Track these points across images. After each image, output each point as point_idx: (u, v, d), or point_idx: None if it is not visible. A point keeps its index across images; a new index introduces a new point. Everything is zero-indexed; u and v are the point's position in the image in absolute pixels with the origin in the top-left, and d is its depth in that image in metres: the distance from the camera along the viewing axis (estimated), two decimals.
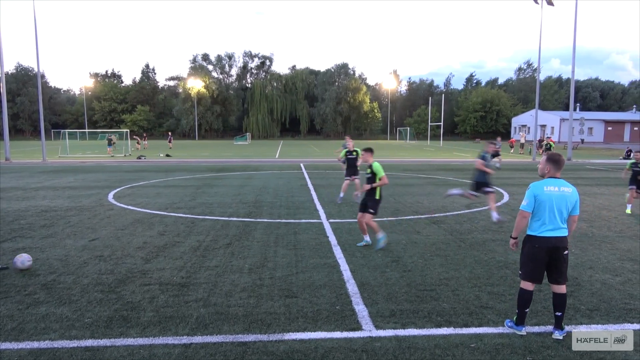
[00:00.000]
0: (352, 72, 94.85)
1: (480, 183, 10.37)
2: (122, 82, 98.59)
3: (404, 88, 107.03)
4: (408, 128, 78.80)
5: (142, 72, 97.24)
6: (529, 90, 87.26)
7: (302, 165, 25.52)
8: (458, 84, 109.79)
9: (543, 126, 68.78)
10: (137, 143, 44.75)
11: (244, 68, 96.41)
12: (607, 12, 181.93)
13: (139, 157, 31.34)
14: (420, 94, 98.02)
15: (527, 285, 4.58)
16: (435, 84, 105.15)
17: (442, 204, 12.37)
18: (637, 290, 5.83)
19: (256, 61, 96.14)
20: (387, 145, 56.68)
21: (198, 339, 4.42)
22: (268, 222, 9.96)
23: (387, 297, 5.52)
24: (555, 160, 4.59)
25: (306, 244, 8.05)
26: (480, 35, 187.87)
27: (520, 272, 4.70)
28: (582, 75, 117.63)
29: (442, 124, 65.49)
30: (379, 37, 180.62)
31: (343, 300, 5.44)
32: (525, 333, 4.56)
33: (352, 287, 5.87)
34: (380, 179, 7.57)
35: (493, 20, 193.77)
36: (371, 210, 7.69)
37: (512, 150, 42.14)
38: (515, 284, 5.97)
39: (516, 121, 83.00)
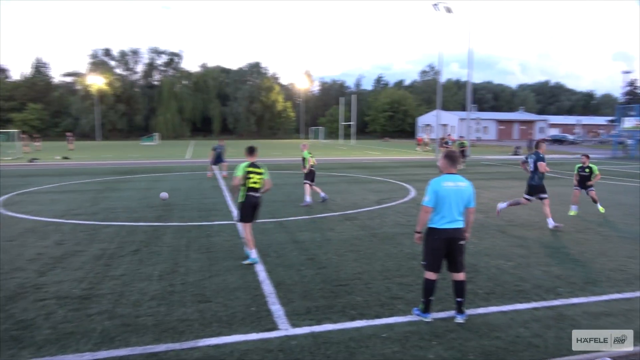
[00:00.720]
0: (265, 71, 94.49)
1: (539, 187, 9.55)
2: (8, 77, 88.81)
3: (316, 88, 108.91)
4: (321, 127, 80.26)
5: (34, 67, 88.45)
6: (432, 91, 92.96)
7: (214, 166, 24.87)
8: (368, 85, 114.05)
9: (444, 125, 73.70)
10: (25, 145, 38.77)
11: (151, 65, 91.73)
12: (499, 21, 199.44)
13: (31, 160, 28.50)
14: (333, 94, 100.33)
15: (431, 275, 4.87)
16: (346, 85, 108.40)
17: (353, 200, 12.75)
18: (526, 273, 6.46)
19: (164, 58, 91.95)
20: (299, 145, 57.08)
21: (103, 354, 4.13)
22: (179, 225, 9.58)
23: (303, 295, 5.57)
24: (450, 157, 4.97)
25: (220, 246, 7.86)
26: (389, 38, 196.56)
27: (423, 262, 4.99)
28: (477, 78, 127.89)
29: (354, 123, 67.51)
30: (292, 37, 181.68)
31: (259, 301, 5.39)
32: (431, 320, 4.86)
33: (267, 287, 5.84)
34: (232, 180, 6.98)
35: (401, 23, 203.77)
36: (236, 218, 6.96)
37: (418, 148, 44.60)
38: (422, 274, 6.35)
39: (421, 121, 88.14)
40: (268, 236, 8.53)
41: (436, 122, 40.47)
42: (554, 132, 75.53)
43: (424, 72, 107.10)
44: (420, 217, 4.91)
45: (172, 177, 19.28)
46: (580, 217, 10.53)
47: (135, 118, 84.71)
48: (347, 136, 71.90)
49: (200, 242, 8.17)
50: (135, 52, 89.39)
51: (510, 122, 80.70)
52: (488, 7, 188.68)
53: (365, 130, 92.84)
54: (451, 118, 76.68)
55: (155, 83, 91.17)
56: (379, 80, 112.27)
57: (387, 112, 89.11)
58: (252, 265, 6.73)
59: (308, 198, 11.94)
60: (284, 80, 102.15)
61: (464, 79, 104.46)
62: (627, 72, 75.63)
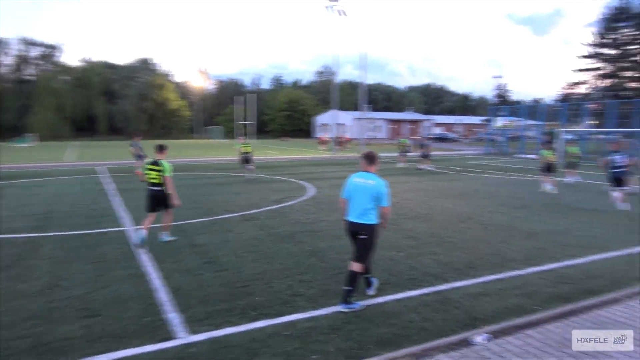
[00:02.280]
0: (156, 68, 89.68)
1: (622, 180, 11.75)
2: None
3: (212, 86, 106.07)
4: (218, 127, 78.38)
5: None
6: (327, 91, 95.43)
7: (102, 168, 23.11)
8: (265, 84, 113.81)
9: (341, 125, 76.19)
10: None
11: (23, 57, 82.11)
12: (389, 25, 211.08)
13: None
14: (230, 92, 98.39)
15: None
16: (243, 83, 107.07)
17: (253, 201, 12.66)
18: (417, 262, 6.93)
19: (39, 50, 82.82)
20: (197, 145, 55.31)
21: None
22: (61, 235, 8.73)
23: (202, 300, 5.40)
24: (366, 156, 5.45)
25: (108, 255, 7.31)
26: (284, 38, 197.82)
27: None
28: (370, 79, 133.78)
29: (252, 122, 66.94)
30: (185, 33, 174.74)
31: (153, 310, 5.11)
32: (370, 292, 5.53)
33: (163, 295, 5.56)
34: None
35: (294, 24, 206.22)
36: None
37: (321, 147, 45.30)
38: (322, 270, 6.52)
39: (318, 120, 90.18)
40: (164, 242, 8.12)
41: (332, 121, 41.67)
42: (439, 130, 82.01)
43: (319, 73, 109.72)
44: (341, 206, 5.49)
45: (54, 182, 17.45)
46: (463, 209, 11.54)
47: (4, 117, 75.07)
48: (246, 135, 71.12)
49: (87, 251, 7.52)
50: (3, 43, 79.41)
51: (400, 121, 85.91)
52: (379, 11, 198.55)
53: (264, 130, 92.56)
54: (346, 118, 79.49)
55: (29, 78, 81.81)
56: (276, 79, 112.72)
57: (286, 112, 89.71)
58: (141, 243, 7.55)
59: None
60: (177, 78, 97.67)
61: (357, 79, 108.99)
62: (497, 77, 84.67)
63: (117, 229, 9.20)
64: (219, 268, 6.63)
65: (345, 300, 5.05)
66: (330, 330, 4.60)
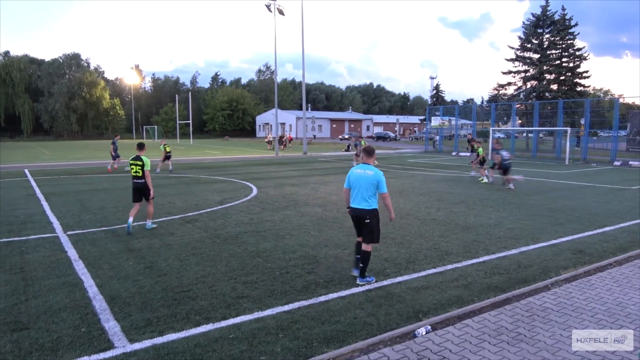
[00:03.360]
0: (86, 64, 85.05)
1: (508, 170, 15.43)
2: None
3: (148, 84, 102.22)
4: (155, 126, 75.63)
5: None
6: (268, 90, 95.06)
7: (27, 171, 21.56)
8: (204, 83, 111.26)
9: (283, 124, 76.03)
10: None
11: None
12: (328, 25, 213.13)
13: None
14: (167, 91, 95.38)
15: (358, 239, 6.06)
16: (181, 81, 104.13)
17: (194, 202, 12.33)
18: None
19: None
20: (132, 145, 52.87)
21: None
22: None
23: (142, 307, 5.18)
24: (365, 151, 6.08)
25: (38, 264, 6.83)
26: (223, 36, 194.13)
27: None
28: (311, 79, 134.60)
29: (191, 122, 65.10)
30: (117, 27, 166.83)
31: (90, 320, 4.84)
32: (355, 273, 6.08)
33: (99, 303, 5.28)
34: None
35: (234, 22, 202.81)
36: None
37: (270, 146, 44.01)
38: (267, 271, 6.47)
39: (260, 119, 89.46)
40: (98, 247, 7.72)
41: (275, 120, 41.48)
42: (378, 130, 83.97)
43: (260, 72, 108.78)
44: (345, 196, 6.13)
45: None
46: (403, 206, 11.89)
47: None
48: (184, 135, 69.13)
49: (12, 260, 6.98)
50: None
51: (341, 120, 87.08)
52: (318, 12, 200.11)
53: (204, 129, 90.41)
54: (289, 117, 79.46)
55: None
56: (216, 78, 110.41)
57: (226, 111, 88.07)
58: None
59: None
60: (110, 75, 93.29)
61: (298, 79, 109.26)
62: (433, 78, 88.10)
63: (46, 235, 8.62)
64: (159, 273, 6.40)
65: (362, 275, 5.92)
66: (277, 330, 4.57)
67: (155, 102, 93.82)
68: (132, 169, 8.96)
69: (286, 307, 5.15)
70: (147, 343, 4.31)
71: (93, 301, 5.34)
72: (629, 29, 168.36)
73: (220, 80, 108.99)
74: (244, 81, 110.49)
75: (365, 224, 5.84)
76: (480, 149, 17.90)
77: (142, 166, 8.87)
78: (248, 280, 6.09)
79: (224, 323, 4.75)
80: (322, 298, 5.44)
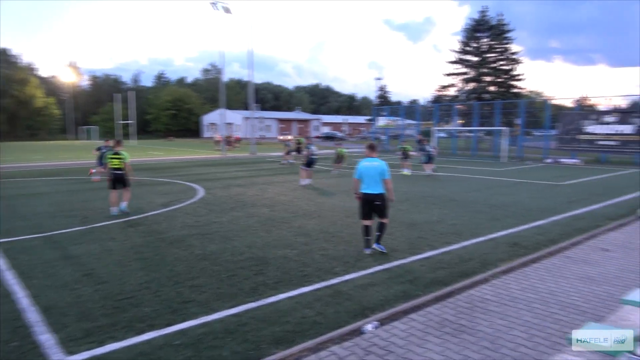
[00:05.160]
0: (16, 60, 79.74)
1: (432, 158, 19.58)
2: None
3: (86, 82, 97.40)
4: (94, 127, 72.15)
5: None
6: (215, 90, 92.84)
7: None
8: (148, 81, 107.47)
9: (230, 124, 74.87)
10: None
11: None
12: (276, 25, 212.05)
13: None
14: (107, 89, 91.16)
15: (364, 222, 7.36)
16: (122, 80, 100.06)
17: (137, 205, 11.86)
18: (308, 258, 7.07)
19: None
20: (70, 146, 50.28)
21: None
22: None
23: (80, 317, 4.92)
24: (370, 146, 7.67)
25: None
26: (166, 33, 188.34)
27: (359, 214, 7.48)
28: (258, 79, 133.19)
29: (133, 122, 62.58)
30: (50, 21, 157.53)
31: (22, 333, 4.54)
32: (369, 252, 7.23)
33: (33, 315, 4.96)
34: None
35: (178, 18, 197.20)
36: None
37: (217, 147, 42.70)
38: (214, 274, 6.35)
39: (206, 119, 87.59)
40: (32, 255, 7.26)
41: (221, 121, 40.76)
42: (326, 129, 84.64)
43: (206, 71, 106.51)
44: (353, 185, 7.50)
45: None
46: (350, 205, 12.04)
47: None
48: (126, 136, 66.46)
49: None
50: None
51: (289, 120, 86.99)
52: (265, 11, 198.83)
53: (147, 130, 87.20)
54: (236, 117, 78.34)
55: None
56: (159, 76, 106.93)
57: (170, 111, 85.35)
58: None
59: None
60: (43, 72, 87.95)
61: (245, 78, 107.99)
62: (379, 79, 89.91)
63: None
64: (99, 280, 6.11)
65: (378, 241, 7.31)
66: (225, 334, 4.50)
67: (94, 101, 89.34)
68: (112, 162, 10.64)
69: (234, 310, 5.08)
70: (85, 355, 4.11)
71: (25, 313, 5.02)
72: (560, 36, 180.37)
73: (164, 79, 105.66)
74: (189, 80, 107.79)
75: (376, 205, 7.22)
76: (409, 146, 21.39)
77: (123, 159, 10.63)
78: (194, 284, 5.95)
79: (169, 329, 4.61)
80: (271, 299, 5.41)
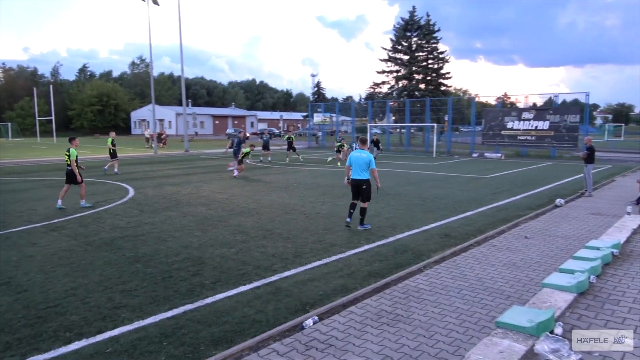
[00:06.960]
0: None
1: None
2: None
3: None
4: (9, 123, 66.55)
5: None
6: (144, 85, 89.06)
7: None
8: (69, 75, 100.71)
9: (161, 120, 72.08)
10: None
11: None
12: (208, 19, 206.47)
13: None
14: (22, 83, 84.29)
15: (353, 200, 8.89)
16: (40, 73, 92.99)
17: (61, 207, 11.12)
18: (247, 256, 6.99)
19: None
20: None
21: None
22: None
23: None
24: (361, 140, 9.17)
25: None
26: (88, 23, 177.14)
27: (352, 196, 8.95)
28: (190, 74, 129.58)
29: (53, 118, 58.32)
30: None
31: None
32: (349, 221, 8.84)
33: None
34: None
35: (100, 7, 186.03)
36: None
37: (159, 144, 40.41)
38: (148, 277, 6.10)
39: (135, 115, 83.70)
40: None
41: (152, 117, 39.12)
42: (263, 126, 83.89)
43: (134, 64, 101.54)
44: (346, 171, 8.98)
45: None
46: (288, 201, 12.04)
47: None
48: (46, 133, 61.99)
49: None
50: None
51: (224, 117, 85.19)
52: (197, 3, 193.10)
53: (70, 127, 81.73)
54: (168, 113, 75.55)
55: None
56: (83, 69, 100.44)
57: (96, 106, 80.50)
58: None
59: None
60: None
61: (176, 73, 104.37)
62: (314, 76, 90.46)
63: None
64: (19, 289, 5.66)
65: (362, 223, 8.76)
66: (161, 339, 4.33)
67: (8, 96, 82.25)
68: (65, 158, 11.35)
69: (170, 313, 4.90)
70: None
71: None
72: (483, 37, 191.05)
73: (88, 73, 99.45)
74: (115, 74, 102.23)
75: (363, 189, 8.63)
76: (293, 136, 25.57)
77: (70, 156, 11.20)
78: (126, 288, 5.68)
79: (99, 337, 4.37)
80: (209, 300, 5.29)
